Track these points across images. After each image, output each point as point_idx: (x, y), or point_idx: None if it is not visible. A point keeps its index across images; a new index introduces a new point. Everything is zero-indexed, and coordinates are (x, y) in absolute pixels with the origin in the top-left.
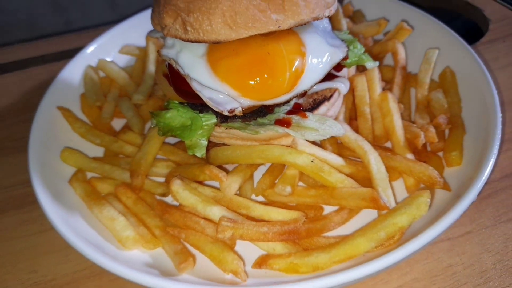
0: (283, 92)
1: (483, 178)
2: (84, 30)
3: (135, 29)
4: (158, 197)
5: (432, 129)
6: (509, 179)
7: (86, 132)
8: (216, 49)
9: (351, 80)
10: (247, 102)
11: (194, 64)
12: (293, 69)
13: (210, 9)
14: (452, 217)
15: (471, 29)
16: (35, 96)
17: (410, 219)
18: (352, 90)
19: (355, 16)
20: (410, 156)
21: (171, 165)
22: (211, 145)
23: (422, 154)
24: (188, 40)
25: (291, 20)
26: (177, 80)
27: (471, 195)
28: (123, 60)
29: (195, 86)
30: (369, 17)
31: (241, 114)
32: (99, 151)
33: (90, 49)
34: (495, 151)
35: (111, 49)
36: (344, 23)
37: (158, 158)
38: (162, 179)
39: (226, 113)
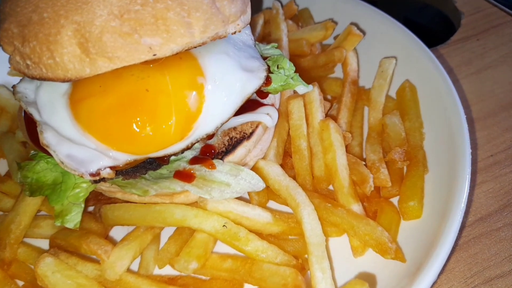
0: (172, 141)
1: (448, 244)
2: None
3: None
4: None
5: (384, 170)
6: (485, 224)
7: None
8: (79, 85)
9: (286, 103)
10: (122, 156)
11: (53, 106)
12: (184, 109)
13: (49, 36)
14: None
15: (442, 24)
16: None
17: None
18: (287, 116)
19: (301, 17)
20: (356, 207)
21: None
22: (103, 199)
23: (372, 201)
24: (33, 78)
25: (172, 45)
26: (30, 126)
27: (432, 274)
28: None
29: (46, 140)
30: (318, 17)
31: (112, 177)
32: None
33: None
34: (463, 200)
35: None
36: (284, 28)
37: (41, 215)
38: (46, 242)
39: (88, 177)
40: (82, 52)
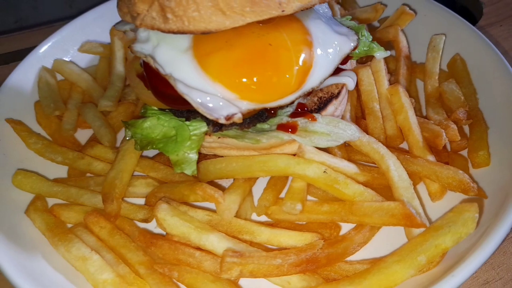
0: (290, 91)
1: None
2: (38, 27)
3: (97, 23)
4: (139, 224)
5: (453, 126)
6: None
7: (44, 148)
8: (203, 41)
9: (355, 73)
10: (247, 105)
11: (176, 61)
12: (301, 62)
13: None
14: (503, 230)
15: (462, 15)
16: None
17: (456, 239)
18: (356, 84)
19: (345, 2)
20: (431, 158)
21: (151, 182)
22: (199, 157)
23: (442, 154)
24: (169, 31)
25: (297, 3)
26: (156, 82)
27: None
28: (85, 59)
29: (181, 89)
30: (361, 3)
31: (241, 121)
32: (62, 171)
33: (43, 48)
34: None
35: (69, 47)
36: (337, 9)
37: (135, 175)
38: (141, 201)
39: (223, 121)
40: (224, 6)
